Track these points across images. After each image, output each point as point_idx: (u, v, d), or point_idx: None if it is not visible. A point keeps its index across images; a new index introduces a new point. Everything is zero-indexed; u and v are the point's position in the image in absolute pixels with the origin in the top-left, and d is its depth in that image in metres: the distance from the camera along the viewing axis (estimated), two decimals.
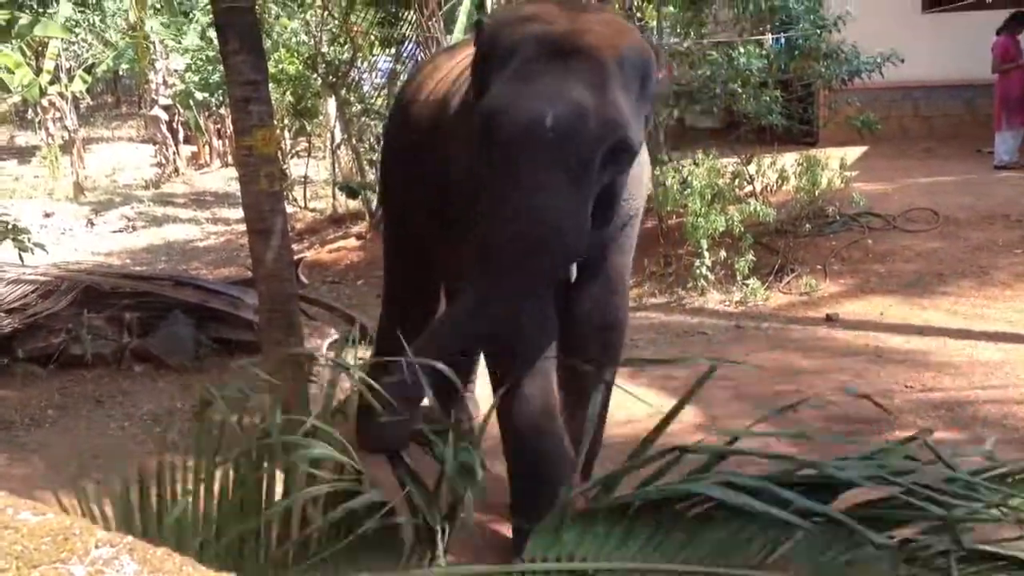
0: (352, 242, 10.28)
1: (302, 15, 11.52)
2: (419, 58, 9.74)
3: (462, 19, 9.71)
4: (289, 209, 10.21)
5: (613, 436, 4.50)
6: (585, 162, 2.61)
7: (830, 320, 6.21)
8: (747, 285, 6.94)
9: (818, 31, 7.83)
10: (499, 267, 2.62)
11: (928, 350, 5.45)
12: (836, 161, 8.10)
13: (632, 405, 4.71)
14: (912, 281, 6.88)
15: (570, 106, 2.56)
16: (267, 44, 10.15)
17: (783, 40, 8.09)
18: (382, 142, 4.64)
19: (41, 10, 14.79)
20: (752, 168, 8.05)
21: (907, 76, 8.85)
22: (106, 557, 1.12)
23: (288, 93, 11.25)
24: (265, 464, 2.27)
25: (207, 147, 18.11)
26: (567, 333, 3.19)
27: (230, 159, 16.45)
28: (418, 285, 4.36)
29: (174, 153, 17.04)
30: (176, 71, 16.81)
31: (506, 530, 3.30)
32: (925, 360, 5.19)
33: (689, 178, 7.47)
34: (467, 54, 3.65)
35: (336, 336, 6.22)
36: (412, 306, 4.38)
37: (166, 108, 16.85)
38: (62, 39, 15.55)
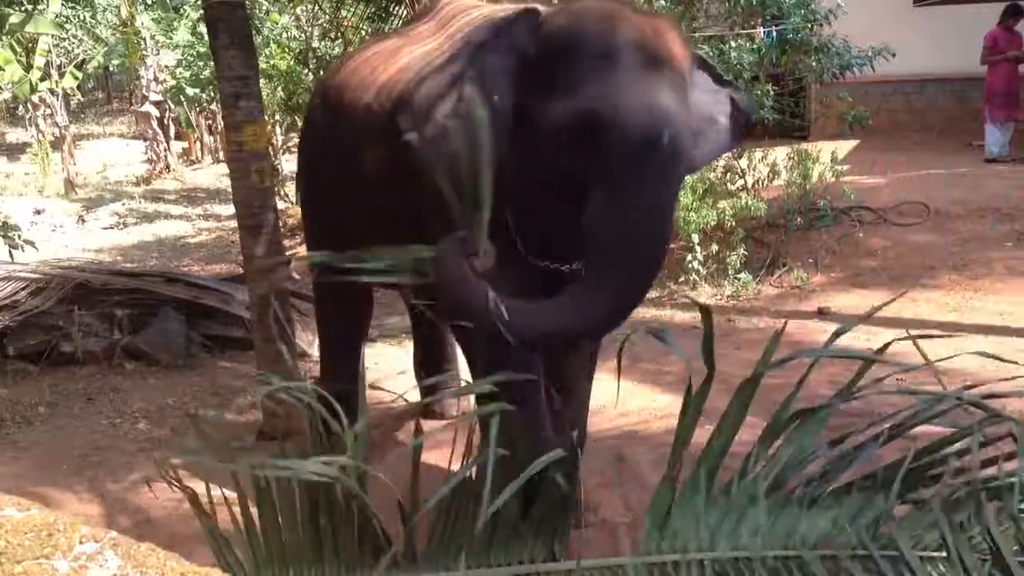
0: None
1: (293, 10, 11.48)
2: None
3: None
4: (281, 205, 10.18)
5: (605, 429, 4.52)
6: (682, 171, 2.82)
7: (821, 313, 6.21)
8: (738, 279, 6.95)
9: (809, 25, 7.82)
10: (636, 265, 2.73)
11: (920, 343, 5.45)
12: (827, 155, 8.10)
13: (626, 399, 4.71)
14: (903, 274, 6.89)
15: (678, 124, 2.68)
16: (258, 40, 10.12)
17: (774, 34, 8.07)
18: (305, 142, 4.39)
19: (31, 6, 14.74)
20: (743, 162, 8.05)
21: (898, 70, 8.84)
22: (90, 552, 1.12)
23: (279, 89, 11.20)
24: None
25: (198, 143, 18.05)
26: None
27: (221, 155, 16.42)
28: (354, 297, 4.21)
29: (165, 149, 16.98)
30: (167, 67, 16.74)
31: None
32: (915, 354, 5.19)
33: None
34: (417, 48, 3.52)
35: None
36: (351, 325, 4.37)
37: (157, 104, 16.79)
38: (52, 35, 15.47)
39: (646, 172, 2.65)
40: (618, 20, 2.75)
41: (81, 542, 1.14)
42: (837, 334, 2.58)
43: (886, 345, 2.49)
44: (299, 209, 5.07)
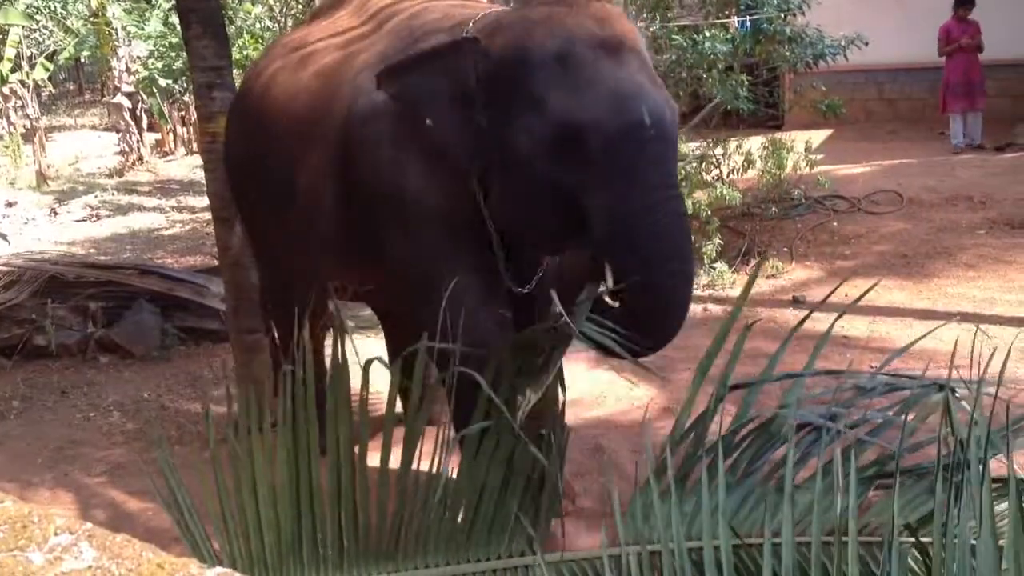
0: None
1: (265, 0, 11.41)
2: None
3: None
4: None
5: (583, 419, 4.53)
6: (676, 151, 2.80)
7: (796, 302, 6.25)
8: (714, 268, 6.97)
9: (783, 14, 7.84)
10: (675, 249, 2.68)
11: (893, 331, 5.51)
12: (802, 144, 8.14)
13: (604, 390, 4.73)
14: (877, 263, 6.94)
15: (653, 100, 2.63)
16: (231, 30, 10.05)
17: (748, 24, 8.09)
18: (229, 142, 4.19)
19: None
20: (718, 152, 8.07)
21: (871, 59, 8.89)
22: (65, 544, 1.11)
23: None
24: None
25: (171, 134, 17.91)
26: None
27: (195, 146, 16.29)
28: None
29: (138, 141, 16.84)
30: (139, 58, 16.58)
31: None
32: (891, 341, 5.24)
33: None
34: (327, 42, 3.52)
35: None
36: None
37: (129, 95, 16.64)
38: (23, 26, 15.33)
39: (638, 158, 2.60)
40: (558, 21, 2.70)
41: (56, 534, 1.13)
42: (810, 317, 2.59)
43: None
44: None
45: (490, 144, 2.78)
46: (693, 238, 6.99)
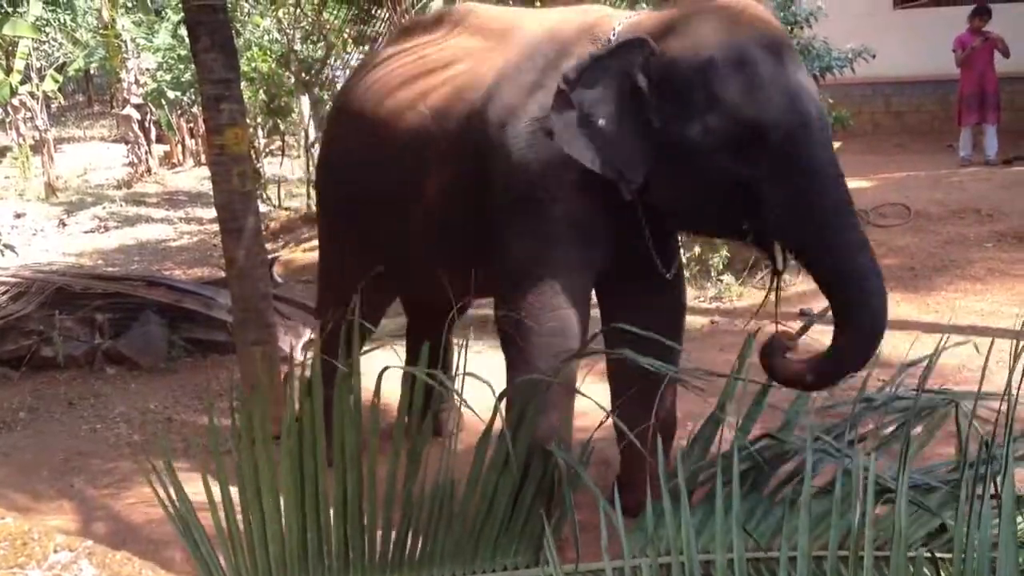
0: None
1: (274, 13, 11.45)
2: None
3: None
4: (263, 208, 10.17)
5: (589, 432, 4.51)
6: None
7: (803, 315, 6.22)
8: (721, 280, 6.96)
9: (790, 27, 7.84)
10: (852, 223, 2.90)
11: (901, 345, 5.48)
12: None
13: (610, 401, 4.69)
14: (885, 276, 6.89)
15: (815, 95, 2.86)
16: (239, 42, 10.09)
17: None
18: (329, 153, 4.32)
19: (11, 9, 14.64)
20: None
21: (878, 72, 8.89)
22: (64, 562, 1.11)
23: (261, 91, 11.18)
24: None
25: (180, 146, 17.98)
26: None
27: (203, 158, 16.33)
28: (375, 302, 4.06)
29: (146, 152, 16.91)
30: (148, 70, 16.66)
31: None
32: (898, 355, 5.21)
33: None
34: (444, 57, 3.61)
35: (311, 335, 6.19)
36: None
37: (138, 107, 16.71)
38: (32, 39, 15.39)
39: (815, 152, 2.80)
40: (728, 23, 2.85)
41: (56, 551, 1.14)
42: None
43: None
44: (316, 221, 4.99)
45: (661, 140, 2.92)
46: (699, 250, 7.04)
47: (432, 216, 3.50)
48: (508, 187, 3.16)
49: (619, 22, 3.12)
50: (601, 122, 2.95)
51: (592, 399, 2.82)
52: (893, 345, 5.52)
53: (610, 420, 2.94)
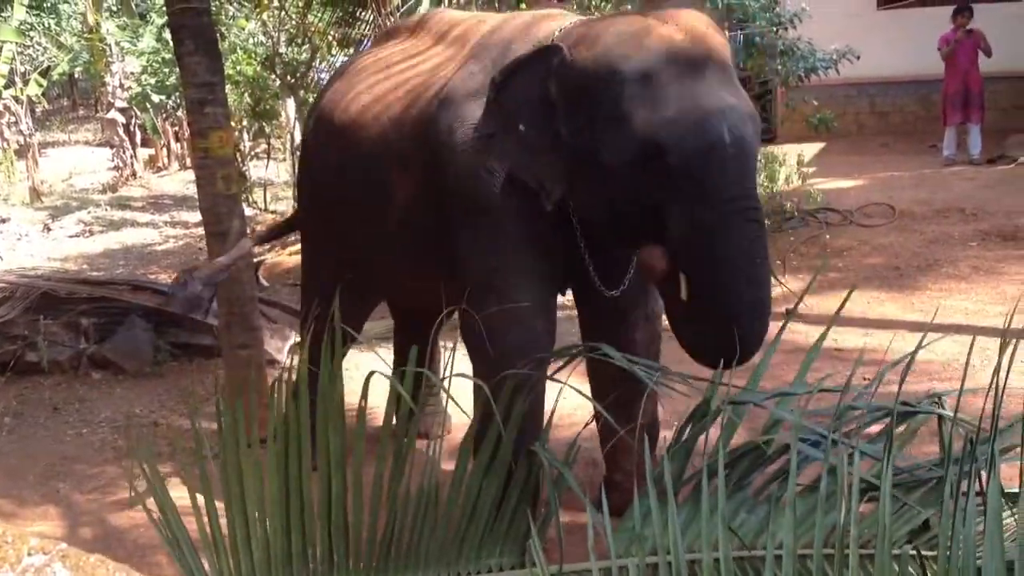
0: None
1: (259, 16, 11.43)
2: None
3: None
4: (249, 211, 10.14)
5: (576, 433, 4.51)
6: (756, 162, 2.81)
7: (789, 315, 6.23)
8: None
9: (775, 29, 7.87)
10: (747, 268, 2.68)
11: (886, 344, 5.49)
12: (794, 157, 8.17)
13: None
14: (870, 275, 6.95)
15: (736, 115, 2.64)
16: (224, 45, 10.07)
17: (740, 38, 8.12)
18: (306, 160, 4.32)
19: None
20: None
21: (863, 72, 8.94)
22: (38, 564, 1.11)
23: (246, 95, 11.16)
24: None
25: (165, 150, 17.94)
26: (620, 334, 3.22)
27: (188, 162, 16.30)
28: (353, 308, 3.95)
29: (131, 156, 16.86)
30: (132, 74, 16.62)
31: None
32: (883, 354, 5.23)
33: None
34: (408, 63, 3.60)
35: (296, 339, 6.17)
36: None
37: (123, 111, 16.66)
38: (16, 43, 15.33)
39: (717, 176, 2.61)
40: (644, 35, 2.71)
41: (30, 554, 1.13)
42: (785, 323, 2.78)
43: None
44: (294, 220, 4.97)
45: (572, 151, 2.83)
46: None
47: (398, 223, 3.46)
48: (461, 195, 3.10)
49: (561, 27, 3.02)
50: (522, 127, 2.87)
51: (582, 392, 2.82)
52: (878, 343, 5.55)
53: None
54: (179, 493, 2.36)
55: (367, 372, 2.42)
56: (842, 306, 2.91)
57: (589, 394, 3.26)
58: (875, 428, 2.60)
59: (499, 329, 2.98)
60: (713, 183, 2.61)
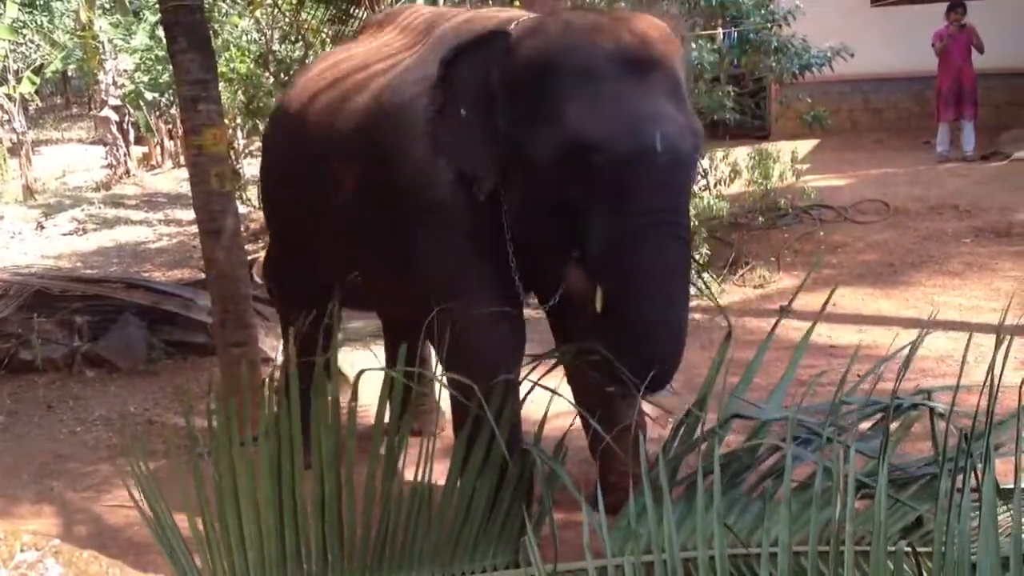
0: None
1: (252, 13, 11.40)
2: None
3: None
4: (243, 209, 10.12)
5: (573, 434, 4.50)
6: (691, 178, 2.71)
7: (783, 312, 6.24)
8: (701, 278, 6.96)
9: (768, 25, 7.87)
10: (661, 285, 2.58)
11: (880, 340, 5.51)
12: (788, 154, 8.16)
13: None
14: (864, 272, 6.95)
15: (673, 126, 2.55)
16: (217, 43, 10.05)
17: (734, 35, 8.12)
18: (269, 152, 4.25)
19: None
20: (705, 162, 8.08)
21: (857, 69, 8.92)
22: (31, 561, 1.10)
23: (239, 92, 11.12)
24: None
25: (158, 148, 17.89)
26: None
27: (182, 159, 16.26)
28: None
29: (125, 154, 16.80)
30: (126, 71, 16.57)
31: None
32: (877, 350, 5.24)
33: None
34: (376, 58, 3.52)
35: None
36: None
37: (116, 109, 16.61)
38: (9, 40, 15.28)
39: (642, 184, 2.53)
40: (591, 33, 2.65)
41: (22, 550, 1.13)
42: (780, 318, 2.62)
43: None
44: (262, 212, 4.99)
45: (506, 147, 2.75)
46: None
47: (354, 222, 3.38)
48: (412, 191, 3.02)
49: (521, 20, 2.94)
50: (463, 112, 2.79)
51: (566, 398, 2.82)
52: (872, 339, 5.56)
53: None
54: (173, 491, 2.35)
55: (355, 370, 2.41)
56: (827, 302, 2.91)
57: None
58: (867, 425, 2.60)
59: (462, 337, 2.83)
60: (637, 191, 2.53)
